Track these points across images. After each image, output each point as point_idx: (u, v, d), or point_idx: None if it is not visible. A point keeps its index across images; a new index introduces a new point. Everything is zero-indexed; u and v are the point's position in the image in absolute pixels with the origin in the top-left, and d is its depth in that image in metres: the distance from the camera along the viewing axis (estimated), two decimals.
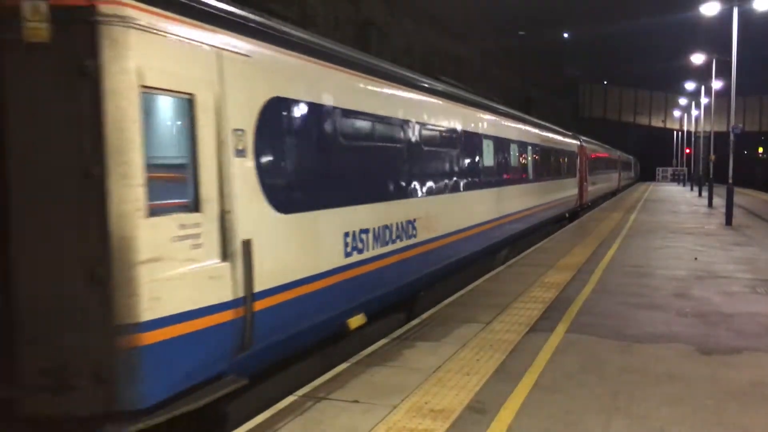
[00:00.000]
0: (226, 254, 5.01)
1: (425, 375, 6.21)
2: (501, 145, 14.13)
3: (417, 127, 9.22)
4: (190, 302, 4.66)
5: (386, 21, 32.07)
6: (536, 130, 19.11)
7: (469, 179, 11.64)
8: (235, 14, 5.51)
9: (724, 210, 22.75)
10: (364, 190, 7.56)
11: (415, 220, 8.84)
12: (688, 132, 69.50)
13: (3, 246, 3.73)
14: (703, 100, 50.44)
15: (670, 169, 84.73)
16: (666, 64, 62.03)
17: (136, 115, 4.34)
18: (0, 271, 4.03)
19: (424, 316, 8.64)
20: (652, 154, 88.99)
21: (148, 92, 4.48)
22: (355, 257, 7.15)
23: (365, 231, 7.42)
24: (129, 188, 4.30)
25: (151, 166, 4.46)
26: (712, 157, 33.49)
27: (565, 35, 58.13)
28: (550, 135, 21.35)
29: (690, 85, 53.35)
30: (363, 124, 7.71)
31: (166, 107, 4.96)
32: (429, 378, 6.13)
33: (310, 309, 6.30)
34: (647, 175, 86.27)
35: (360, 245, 7.27)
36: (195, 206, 4.84)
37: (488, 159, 13.06)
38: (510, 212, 14.51)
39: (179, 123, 4.94)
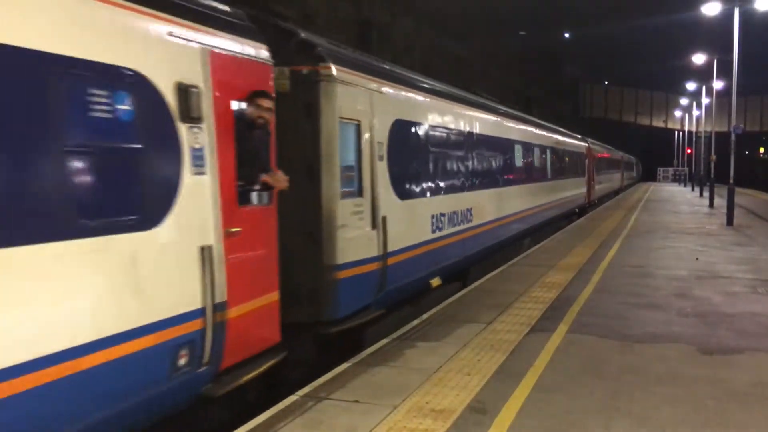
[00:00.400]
0: (374, 225, 7.68)
1: (426, 375, 6.20)
2: (529, 149, 17.18)
3: (475, 135, 12.22)
4: (359, 254, 7.29)
5: (386, 21, 32.07)
6: (553, 135, 21.78)
7: (507, 177, 14.51)
8: (380, 67, 8.93)
9: (725, 210, 22.74)
10: (442, 184, 10.29)
11: (471, 208, 11.51)
12: (689, 132, 69.45)
13: None
14: (704, 100, 50.42)
15: (671, 170, 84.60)
16: (667, 64, 61.94)
17: (337, 136, 6.97)
18: None
19: (425, 316, 8.64)
20: (653, 154, 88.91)
21: (341, 121, 7.07)
22: (437, 234, 9.83)
23: (443, 215, 10.12)
24: (333, 181, 6.91)
25: (341, 167, 7.04)
26: (713, 157, 33.48)
27: (566, 35, 58.08)
28: (564, 138, 24.01)
29: (691, 85, 53.33)
30: (443, 136, 10.59)
31: (347, 130, 7.30)
32: (430, 378, 6.13)
33: (414, 268, 8.92)
34: (648, 175, 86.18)
35: (440, 225, 9.98)
36: (359, 193, 7.50)
37: (519, 161, 15.95)
38: (534, 206, 17.35)
39: (352, 140, 7.44)
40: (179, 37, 4.80)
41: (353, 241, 7.19)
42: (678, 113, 79.91)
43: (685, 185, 64.27)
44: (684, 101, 68.43)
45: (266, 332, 5.77)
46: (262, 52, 5.83)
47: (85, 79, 4.02)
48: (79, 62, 3.96)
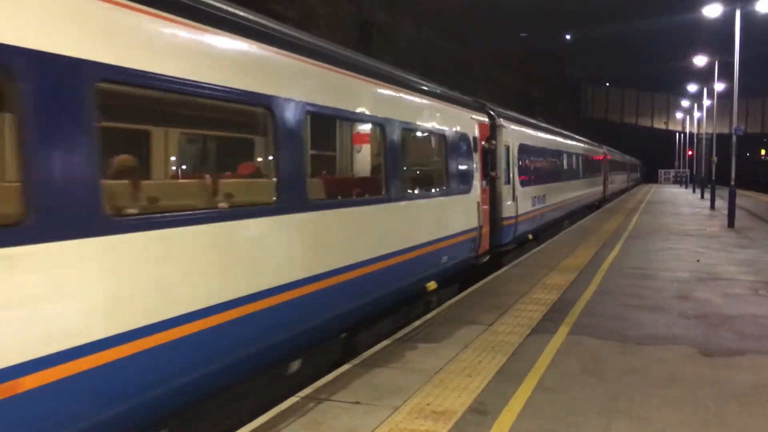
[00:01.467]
0: (513, 199, 14.67)
1: (427, 376, 6.22)
2: (570, 156, 25.31)
3: (547, 149, 20.30)
4: (508, 213, 14.27)
5: (387, 22, 32.08)
6: (584, 145, 30.47)
7: (560, 175, 22.28)
8: (514, 115, 16.69)
9: (726, 212, 22.73)
10: (536, 179, 17.72)
11: (545, 195, 18.84)
12: (691, 134, 69.44)
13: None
14: (706, 102, 50.38)
15: (672, 171, 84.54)
16: (668, 65, 61.98)
17: (503, 154, 14.18)
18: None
19: (426, 317, 8.66)
20: (654, 156, 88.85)
21: (505, 146, 14.38)
22: (532, 208, 16.87)
23: (536, 197, 17.39)
24: (501, 176, 13.98)
25: (503, 169, 14.16)
26: (714, 158, 33.45)
27: (567, 37, 58.10)
28: (590, 147, 32.50)
29: (692, 87, 53.27)
30: (538, 150, 18.57)
31: (505, 150, 14.26)
32: (431, 379, 6.14)
33: (525, 226, 15.94)
34: (649, 177, 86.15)
35: (534, 203, 17.17)
36: (508, 182, 14.49)
37: (565, 164, 24.12)
38: (573, 196, 24.91)
39: (506, 155, 14.41)
40: (473, 119, 11.92)
41: (507, 206, 14.15)
42: (679, 115, 79.93)
43: (686, 187, 64.18)
44: (685, 103, 68.41)
45: (486, 243, 12.49)
46: (485, 117, 13.03)
47: (458, 139, 10.79)
48: (459, 133, 10.85)
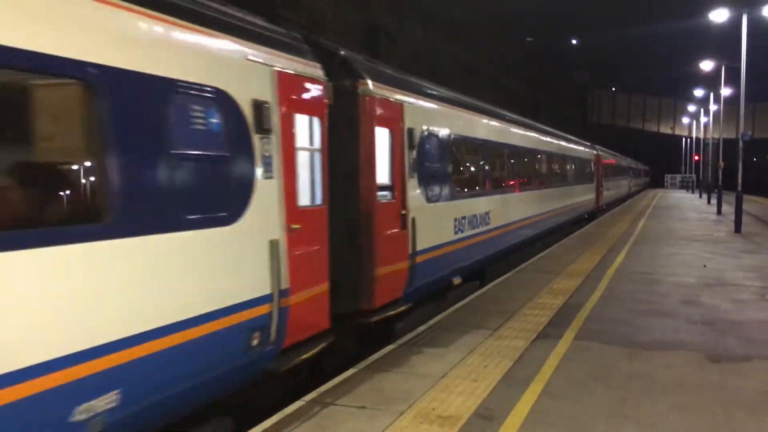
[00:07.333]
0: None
1: (432, 381, 6.20)
2: (625, 169, 45.90)
3: (616, 167, 39.61)
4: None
5: (394, 27, 32.10)
6: (632, 163, 47.51)
7: (621, 179, 42.92)
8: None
9: (732, 217, 22.64)
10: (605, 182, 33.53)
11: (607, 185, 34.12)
12: (697, 139, 69.17)
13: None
14: (712, 107, 50.19)
15: (678, 176, 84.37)
16: (675, 70, 61.83)
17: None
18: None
19: (432, 322, 8.64)
20: (661, 161, 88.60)
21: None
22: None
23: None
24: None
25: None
26: (722, 163, 33.34)
27: (574, 41, 58.08)
28: (632, 162, 48.84)
29: (699, 92, 53.09)
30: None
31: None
32: (436, 384, 6.12)
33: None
34: (655, 182, 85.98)
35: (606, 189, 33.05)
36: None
37: (625, 176, 46.73)
38: (632, 187, 49.32)
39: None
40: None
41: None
42: (686, 120, 79.62)
43: (692, 192, 64.02)
44: (692, 108, 68.16)
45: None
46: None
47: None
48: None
